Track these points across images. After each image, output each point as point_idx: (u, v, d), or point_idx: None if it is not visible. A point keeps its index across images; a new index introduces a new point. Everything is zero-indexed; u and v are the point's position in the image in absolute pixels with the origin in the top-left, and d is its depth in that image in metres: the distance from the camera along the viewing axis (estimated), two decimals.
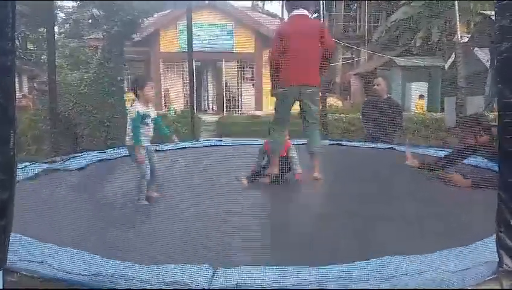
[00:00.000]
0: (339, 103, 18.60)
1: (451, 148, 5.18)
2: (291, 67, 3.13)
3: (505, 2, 1.55)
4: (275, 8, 42.34)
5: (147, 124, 3.25)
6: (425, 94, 17.28)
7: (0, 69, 1.54)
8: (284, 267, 1.60)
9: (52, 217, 2.48)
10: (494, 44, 1.61)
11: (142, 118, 3.15)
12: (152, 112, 3.27)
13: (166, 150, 5.20)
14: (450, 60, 16.49)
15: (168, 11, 16.82)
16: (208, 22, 16.71)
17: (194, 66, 6.85)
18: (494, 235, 1.92)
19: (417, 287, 1.52)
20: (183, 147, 5.36)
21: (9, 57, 1.56)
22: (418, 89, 17.56)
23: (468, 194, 3.09)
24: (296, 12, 3.24)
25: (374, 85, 5.85)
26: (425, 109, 15.60)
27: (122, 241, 2.11)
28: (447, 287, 1.46)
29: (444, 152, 4.75)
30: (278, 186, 3.45)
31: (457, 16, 5.79)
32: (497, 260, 1.59)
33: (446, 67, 16.76)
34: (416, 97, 16.92)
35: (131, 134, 3.20)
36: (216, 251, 1.93)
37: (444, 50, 17.11)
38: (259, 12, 24.22)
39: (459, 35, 5.75)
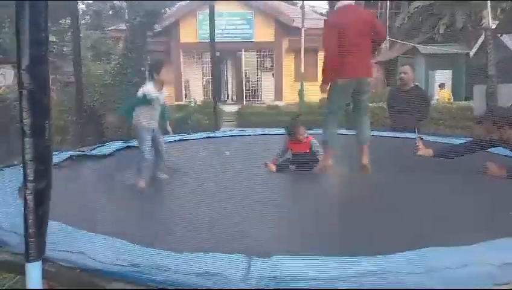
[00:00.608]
0: None
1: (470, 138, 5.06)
2: (350, 60, 3.05)
3: None
4: None
5: (154, 107, 3.22)
6: (449, 82, 16.86)
7: (35, 59, 1.53)
8: (322, 257, 1.56)
9: (86, 204, 2.50)
10: None
11: (150, 100, 3.12)
12: (162, 98, 3.25)
13: (192, 139, 5.24)
14: (475, 47, 16.04)
15: (187, 1, 16.80)
16: (228, 11, 16.60)
17: (214, 56, 6.81)
18: None
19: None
20: (208, 137, 5.37)
21: (43, 47, 1.56)
22: (441, 76, 17.12)
23: (506, 184, 2.99)
24: (345, 2, 3.12)
25: (400, 73, 5.71)
26: (451, 98, 15.20)
27: (153, 229, 2.11)
28: (493, 283, 1.41)
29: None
30: (310, 176, 3.41)
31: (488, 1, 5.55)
32: None
33: (471, 55, 16.30)
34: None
35: (136, 112, 3.17)
36: (249, 241, 1.91)
37: (469, 37, 16.61)
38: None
39: (490, 21, 5.53)
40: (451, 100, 14.31)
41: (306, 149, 3.57)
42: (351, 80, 3.23)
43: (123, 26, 16.02)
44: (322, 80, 3.38)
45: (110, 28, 16.76)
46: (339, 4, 3.21)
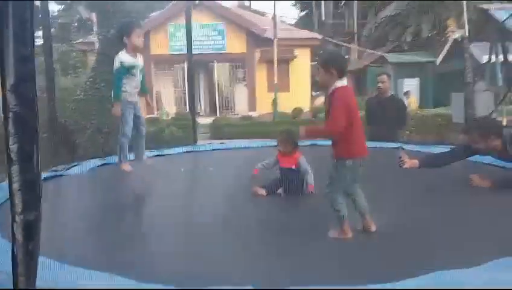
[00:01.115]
0: None
1: (452, 145, 5.16)
2: (358, 139, 2.71)
3: None
4: (261, 6, 42.28)
5: (134, 75, 3.02)
6: (416, 90, 17.34)
7: (21, 77, 1.39)
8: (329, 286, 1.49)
9: (70, 235, 2.33)
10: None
11: (128, 69, 2.93)
12: (140, 62, 3.05)
13: (170, 154, 5.08)
14: (441, 55, 16.59)
15: (158, 12, 16.62)
16: (199, 22, 16.52)
17: (192, 68, 6.70)
18: None
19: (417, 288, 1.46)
20: (188, 151, 5.23)
21: (30, 64, 1.42)
22: (409, 84, 17.58)
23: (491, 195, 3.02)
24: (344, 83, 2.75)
25: (378, 83, 5.76)
26: (417, 105, 15.61)
27: (144, 260, 1.97)
28: None
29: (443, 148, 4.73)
30: (306, 198, 3.27)
31: (465, 9, 5.72)
32: None
33: (438, 63, 16.85)
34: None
35: (112, 87, 2.96)
36: (253, 270, 1.81)
37: (435, 45, 17.18)
38: (247, 10, 24.13)
39: (466, 29, 5.69)
40: (417, 106, 14.72)
41: (292, 164, 3.46)
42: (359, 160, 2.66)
43: (91, 39, 15.69)
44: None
45: (77, 41, 16.31)
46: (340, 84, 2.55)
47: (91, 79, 6.32)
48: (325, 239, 2.25)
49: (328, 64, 2.43)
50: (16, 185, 1.37)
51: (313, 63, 18.94)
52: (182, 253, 2.09)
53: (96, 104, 6.12)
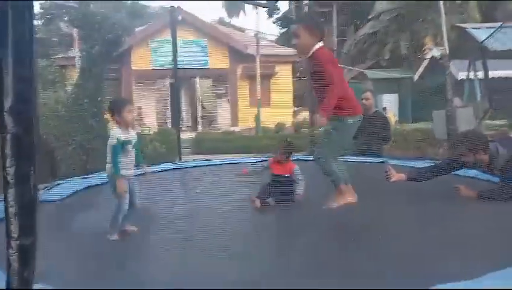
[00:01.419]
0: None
1: (437, 160, 5.28)
2: (352, 95, 2.67)
3: None
4: (241, 22, 42.77)
5: (128, 151, 3.04)
6: (395, 105, 17.71)
7: (19, 98, 1.36)
8: None
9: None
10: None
11: (122, 145, 2.93)
12: (133, 137, 3.07)
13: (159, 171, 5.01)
14: (419, 72, 17.05)
15: (141, 28, 16.59)
16: (182, 38, 16.54)
17: (177, 83, 6.69)
18: None
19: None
20: (174, 168, 5.17)
21: (29, 85, 1.39)
22: (388, 100, 17.95)
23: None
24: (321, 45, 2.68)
25: (362, 100, 5.86)
26: (397, 119, 15.93)
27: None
28: None
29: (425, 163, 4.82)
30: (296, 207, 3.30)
31: (444, 28, 5.91)
32: None
33: (415, 79, 17.28)
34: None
35: (112, 163, 2.96)
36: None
37: (413, 62, 17.64)
38: (227, 26, 24.34)
39: (447, 48, 5.88)
40: (396, 121, 15.03)
41: (287, 172, 3.51)
42: (358, 117, 2.75)
43: (72, 54, 15.50)
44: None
45: (57, 56, 16.08)
46: (319, 45, 2.65)
47: (73, 95, 6.22)
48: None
49: (312, 26, 2.47)
50: (12, 209, 1.33)
51: (295, 79, 19.20)
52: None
53: (79, 120, 6.02)
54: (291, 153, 3.51)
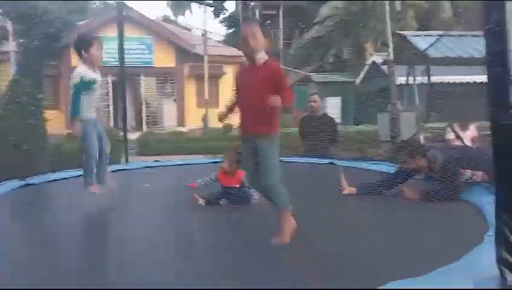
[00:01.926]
0: None
1: (378, 160, 5.54)
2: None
3: (497, 28, 1.63)
4: (187, 21, 42.28)
5: (94, 90, 2.87)
6: (338, 108, 18.31)
7: None
8: None
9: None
10: (487, 68, 1.68)
11: (87, 83, 2.77)
12: (98, 76, 2.94)
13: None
14: (361, 76, 17.77)
15: (83, 22, 15.83)
16: (126, 35, 16.00)
17: (122, 81, 6.47)
18: (480, 246, 2.04)
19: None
20: (121, 169, 5.00)
21: None
22: (332, 103, 18.52)
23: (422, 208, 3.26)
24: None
25: (310, 102, 6.03)
26: (339, 122, 16.47)
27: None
28: None
29: (376, 165, 5.06)
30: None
31: (390, 34, 6.20)
32: (499, 275, 1.66)
33: (357, 83, 18.00)
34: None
35: (71, 104, 2.78)
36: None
37: (355, 66, 18.34)
38: (172, 25, 23.92)
39: (391, 53, 6.18)
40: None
41: (236, 183, 3.47)
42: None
43: (6, 48, 14.44)
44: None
45: None
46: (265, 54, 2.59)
47: (9, 92, 5.81)
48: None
49: (266, 30, 2.45)
50: None
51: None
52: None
53: (16, 119, 5.64)
54: (239, 162, 3.27)
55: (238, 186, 3.45)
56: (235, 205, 3.36)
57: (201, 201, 3.39)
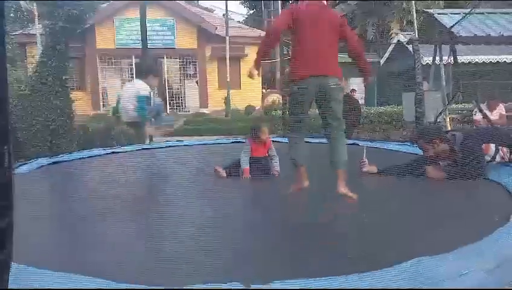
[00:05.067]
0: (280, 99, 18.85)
1: (402, 142, 5.44)
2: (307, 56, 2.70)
3: None
4: (208, 3, 41.96)
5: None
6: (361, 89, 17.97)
7: None
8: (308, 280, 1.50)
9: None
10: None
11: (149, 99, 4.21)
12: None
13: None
14: (385, 56, 17.36)
15: (105, 4, 15.96)
16: (148, 17, 16.07)
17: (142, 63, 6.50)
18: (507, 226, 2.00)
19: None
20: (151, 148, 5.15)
21: (1, 63, 1.32)
22: (355, 83, 18.18)
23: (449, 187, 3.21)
24: None
25: None
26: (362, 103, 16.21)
27: (132, 260, 1.88)
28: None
29: (400, 146, 4.97)
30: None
31: (414, 12, 5.99)
32: None
33: (381, 63, 17.59)
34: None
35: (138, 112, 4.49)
36: (240, 264, 1.79)
37: (380, 46, 17.92)
38: (195, 7, 23.80)
39: (416, 32, 5.99)
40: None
41: (265, 153, 3.60)
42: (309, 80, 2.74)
43: (33, 31, 14.75)
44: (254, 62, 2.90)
45: (15, 33, 15.26)
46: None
47: (37, 73, 5.95)
48: None
49: None
50: None
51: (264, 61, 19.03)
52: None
53: (43, 99, 5.79)
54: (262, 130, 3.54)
55: (264, 156, 3.54)
56: (256, 176, 3.43)
57: (222, 173, 3.49)
